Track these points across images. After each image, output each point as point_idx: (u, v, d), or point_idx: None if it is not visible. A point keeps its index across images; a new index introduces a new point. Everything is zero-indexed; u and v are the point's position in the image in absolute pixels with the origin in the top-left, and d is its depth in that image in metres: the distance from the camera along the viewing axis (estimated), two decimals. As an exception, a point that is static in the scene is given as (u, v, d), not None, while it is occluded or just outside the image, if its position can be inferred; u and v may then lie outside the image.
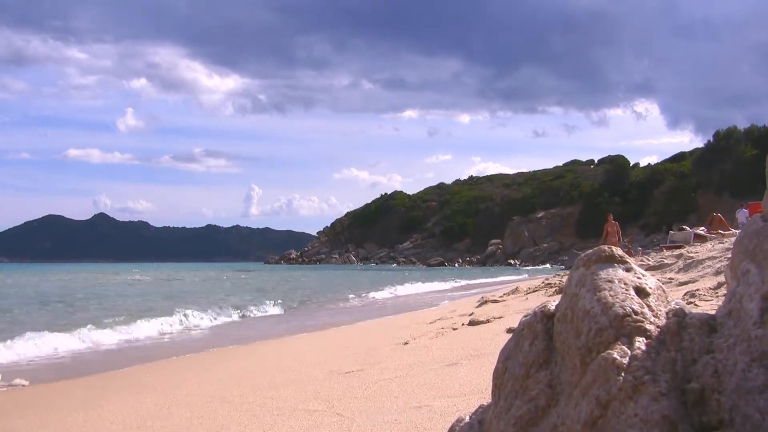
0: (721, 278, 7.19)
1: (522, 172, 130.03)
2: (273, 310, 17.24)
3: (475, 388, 4.13)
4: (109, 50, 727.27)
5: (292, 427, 3.96)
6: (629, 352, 1.31)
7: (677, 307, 1.45)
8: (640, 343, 1.33)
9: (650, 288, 1.47)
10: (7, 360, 8.95)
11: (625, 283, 1.46)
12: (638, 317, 1.37)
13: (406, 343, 7.03)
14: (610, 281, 1.47)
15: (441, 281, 32.07)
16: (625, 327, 1.36)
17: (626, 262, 1.55)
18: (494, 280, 34.79)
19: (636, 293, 1.44)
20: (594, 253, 1.57)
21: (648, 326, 1.36)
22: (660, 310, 1.42)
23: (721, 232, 18.48)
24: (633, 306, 1.40)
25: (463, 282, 31.89)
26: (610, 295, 1.42)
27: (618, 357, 1.31)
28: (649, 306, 1.41)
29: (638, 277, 1.50)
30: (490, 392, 1.64)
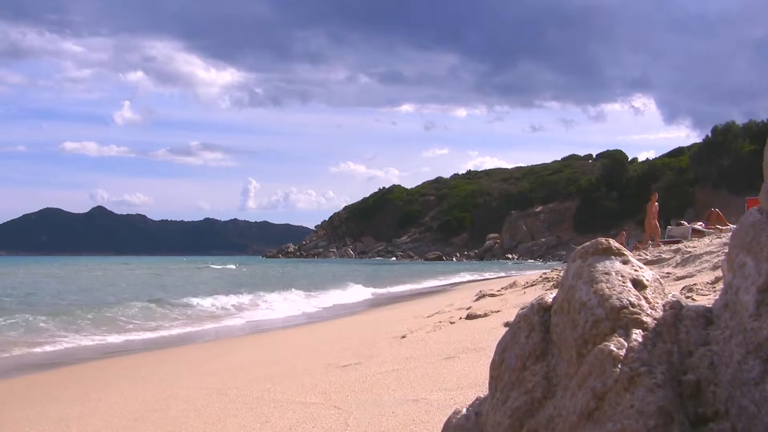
0: (719, 273, 7.20)
1: (520, 167, 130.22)
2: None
3: (473, 381, 4.13)
4: (105, 43, 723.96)
5: (289, 420, 3.97)
6: (626, 343, 1.31)
7: (674, 299, 1.45)
8: (637, 334, 1.33)
9: (647, 280, 1.47)
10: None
11: (622, 276, 1.46)
12: (635, 309, 1.37)
13: (403, 337, 7.04)
14: (607, 273, 1.47)
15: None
16: (621, 319, 1.36)
17: (623, 255, 1.55)
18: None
19: (633, 285, 1.44)
20: (591, 245, 1.57)
21: (644, 318, 1.36)
22: (657, 303, 1.42)
23: (719, 227, 18.49)
24: (630, 298, 1.40)
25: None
26: (607, 287, 1.42)
27: (614, 349, 1.31)
28: (645, 298, 1.42)
29: (635, 270, 1.50)
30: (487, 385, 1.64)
